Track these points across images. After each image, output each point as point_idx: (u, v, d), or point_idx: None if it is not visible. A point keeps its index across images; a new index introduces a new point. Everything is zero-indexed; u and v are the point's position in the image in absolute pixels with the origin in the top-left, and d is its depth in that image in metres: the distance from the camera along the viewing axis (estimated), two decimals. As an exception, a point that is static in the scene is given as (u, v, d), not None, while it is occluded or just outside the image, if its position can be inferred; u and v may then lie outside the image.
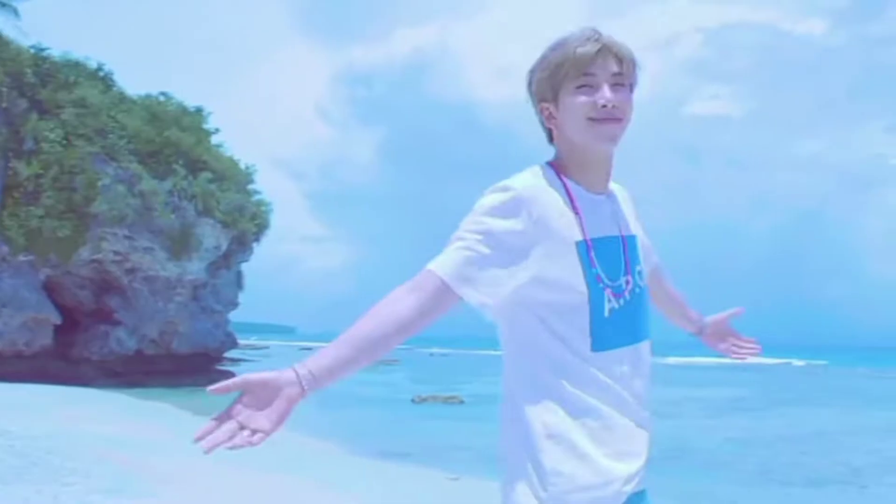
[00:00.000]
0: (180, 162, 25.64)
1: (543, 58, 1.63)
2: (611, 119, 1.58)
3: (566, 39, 1.61)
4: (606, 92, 1.58)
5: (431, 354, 60.49)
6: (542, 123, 1.67)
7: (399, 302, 1.44)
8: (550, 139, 1.66)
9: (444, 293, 1.45)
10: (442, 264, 1.47)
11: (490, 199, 1.53)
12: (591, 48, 1.58)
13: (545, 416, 1.51)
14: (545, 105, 1.63)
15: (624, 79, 1.60)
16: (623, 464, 1.49)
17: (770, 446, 12.20)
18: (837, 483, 9.58)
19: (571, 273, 1.50)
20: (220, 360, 29.90)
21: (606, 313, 1.52)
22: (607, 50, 1.58)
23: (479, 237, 1.48)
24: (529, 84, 1.67)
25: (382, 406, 17.95)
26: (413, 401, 19.23)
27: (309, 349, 62.42)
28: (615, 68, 1.59)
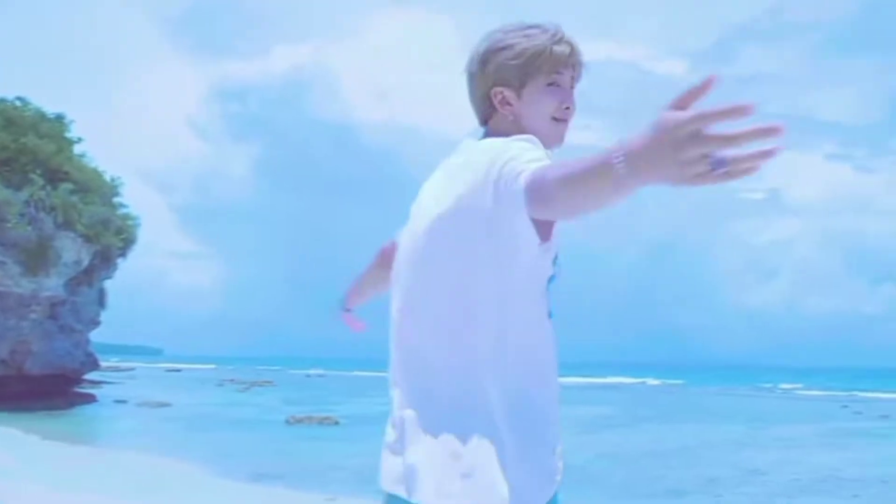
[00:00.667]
0: (38, 171, 24.07)
1: (512, 43, 1.61)
2: (566, 121, 1.64)
3: (537, 33, 1.61)
4: (572, 96, 1.64)
5: (308, 375, 59.32)
6: (482, 102, 1.64)
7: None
8: (485, 121, 1.65)
9: None
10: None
11: (534, 149, 1.45)
12: (565, 49, 1.62)
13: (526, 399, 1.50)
14: (501, 89, 1.62)
15: (576, 81, 1.66)
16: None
17: (636, 461, 12.71)
18: (697, 494, 10.08)
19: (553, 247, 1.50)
20: (79, 381, 28.16)
21: (552, 286, 1.56)
22: (575, 53, 1.63)
23: None
24: (485, 63, 1.63)
25: (254, 427, 17.40)
26: (287, 422, 18.76)
27: (178, 371, 59.95)
28: (574, 72, 1.64)
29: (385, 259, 1.98)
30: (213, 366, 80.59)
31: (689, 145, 1.01)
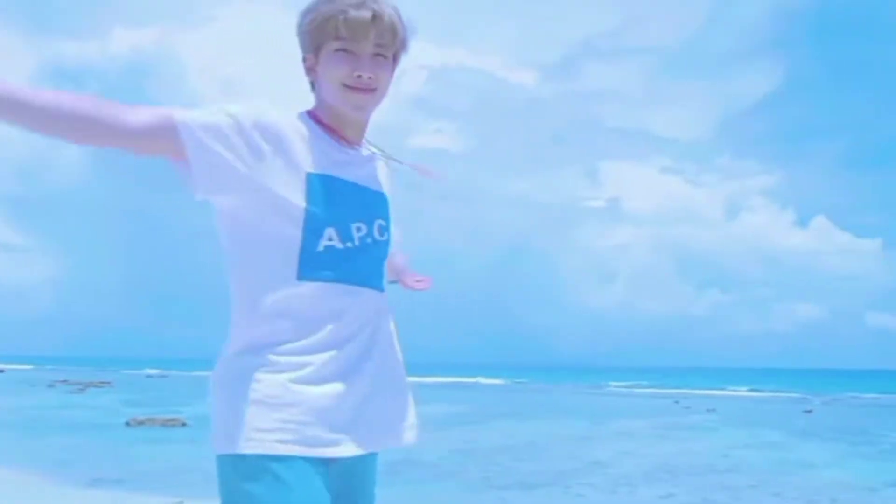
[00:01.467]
0: None
1: (314, 7, 1.59)
2: (360, 89, 1.58)
3: None
4: (369, 63, 1.58)
5: (148, 376, 56.47)
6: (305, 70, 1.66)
7: None
8: (312, 87, 1.67)
9: None
10: None
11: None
12: (364, 14, 1.55)
13: None
14: (308, 55, 1.62)
15: (386, 50, 1.60)
16: None
17: (489, 456, 13.05)
18: (546, 486, 10.49)
19: None
20: None
21: None
22: (378, 19, 1.56)
23: None
24: (297, 28, 1.63)
25: (93, 431, 16.39)
26: (128, 424, 17.81)
27: (1, 371, 55.27)
28: (380, 39, 1.57)
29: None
30: (30, 366, 74.31)
31: None
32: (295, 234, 1.55)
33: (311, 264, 1.56)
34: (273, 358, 1.55)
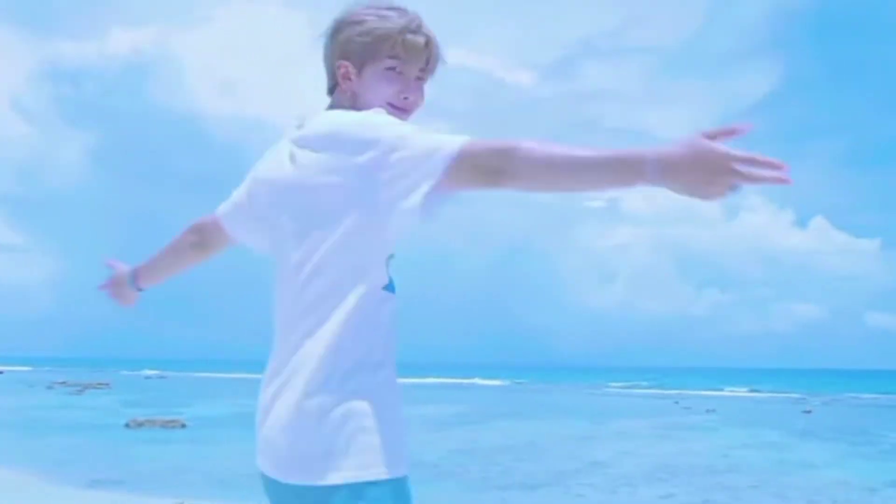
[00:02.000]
0: None
1: (364, 19, 1.60)
2: (404, 110, 1.62)
3: (393, 16, 1.59)
4: (415, 86, 1.63)
5: (147, 377, 56.41)
6: (329, 71, 1.65)
7: None
8: (331, 90, 1.65)
9: None
10: None
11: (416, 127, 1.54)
12: (419, 40, 1.60)
13: None
14: (345, 63, 1.61)
15: (426, 74, 1.65)
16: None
17: (489, 456, 13.05)
18: (546, 486, 10.51)
19: None
20: None
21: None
22: (430, 45, 1.62)
23: None
24: (336, 33, 1.62)
25: (92, 432, 16.38)
26: (127, 426, 17.79)
27: (0, 373, 55.26)
28: (426, 64, 1.63)
29: (203, 236, 1.91)
30: (29, 367, 74.13)
31: (724, 175, 1.25)
32: (391, 246, 1.56)
33: (391, 277, 1.57)
34: (387, 373, 1.53)
